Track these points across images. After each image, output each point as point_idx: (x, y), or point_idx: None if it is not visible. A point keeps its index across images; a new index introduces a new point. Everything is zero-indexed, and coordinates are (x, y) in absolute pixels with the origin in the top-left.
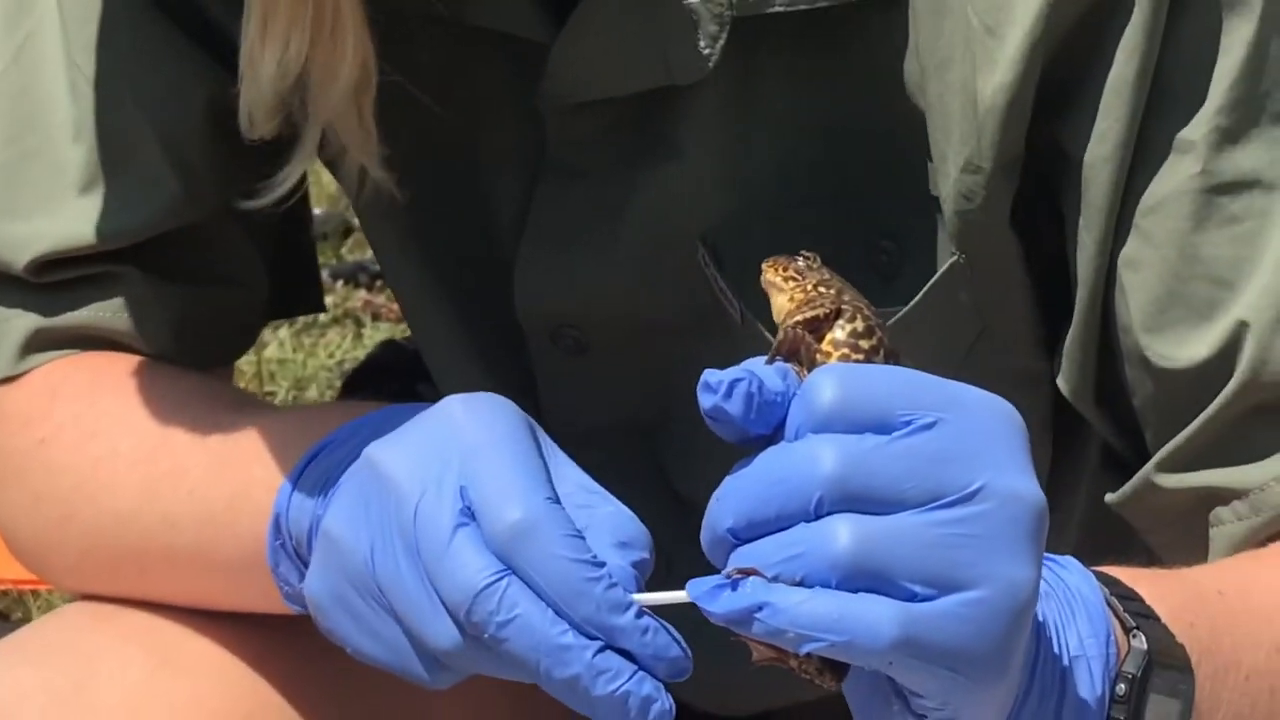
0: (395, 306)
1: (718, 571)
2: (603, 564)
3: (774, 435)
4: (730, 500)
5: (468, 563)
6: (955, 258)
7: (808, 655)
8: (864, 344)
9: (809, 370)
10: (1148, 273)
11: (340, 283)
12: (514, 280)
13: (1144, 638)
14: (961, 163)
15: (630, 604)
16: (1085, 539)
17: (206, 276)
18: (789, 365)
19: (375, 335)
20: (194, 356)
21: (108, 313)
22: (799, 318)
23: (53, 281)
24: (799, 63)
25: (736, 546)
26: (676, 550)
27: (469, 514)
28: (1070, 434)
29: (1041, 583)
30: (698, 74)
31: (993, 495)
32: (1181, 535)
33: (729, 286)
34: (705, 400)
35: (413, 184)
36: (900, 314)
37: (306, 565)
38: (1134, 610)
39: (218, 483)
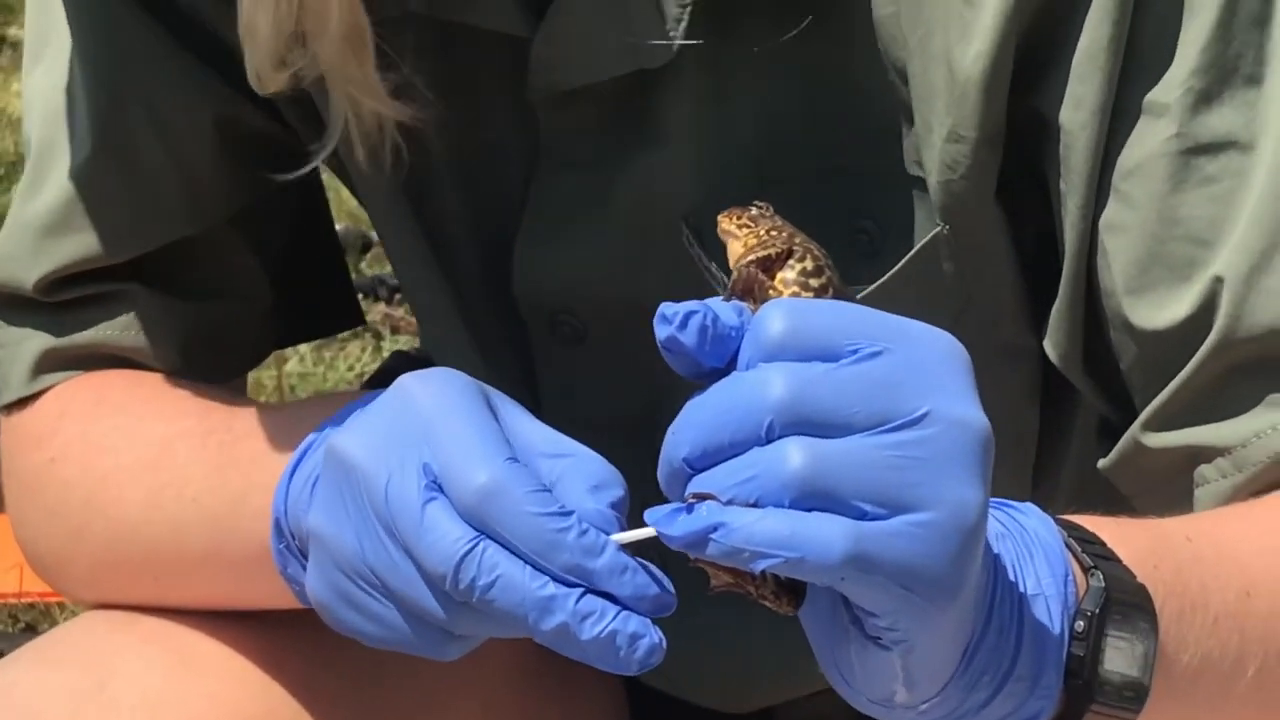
0: (414, 320)
1: None
2: (571, 513)
3: (727, 369)
4: (685, 431)
5: (444, 534)
6: (939, 229)
7: (764, 579)
8: (813, 282)
9: None
10: (1128, 235)
11: (359, 296)
12: (513, 268)
13: (1101, 576)
14: (945, 132)
15: (604, 546)
16: (1075, 511)
17: (212, 291)
18: (744, 304)
19: (395, 348)
20: (202, 370)
21: (115, 331)
22: (751, 257)
23: (62, 301)
24: (776, 42)
25: (693, 476)
26: None
27: (436, 486)
28: (1058, 406)
29: (999, 524)
30: (664, 57)
31: (939, 420)
32: (1171, 498)
33: (714, 265)
34: (660, 331)
35: (421, 177)
36: (883, 281)
37: None
38: (1093, 552)
39: (218, 488)
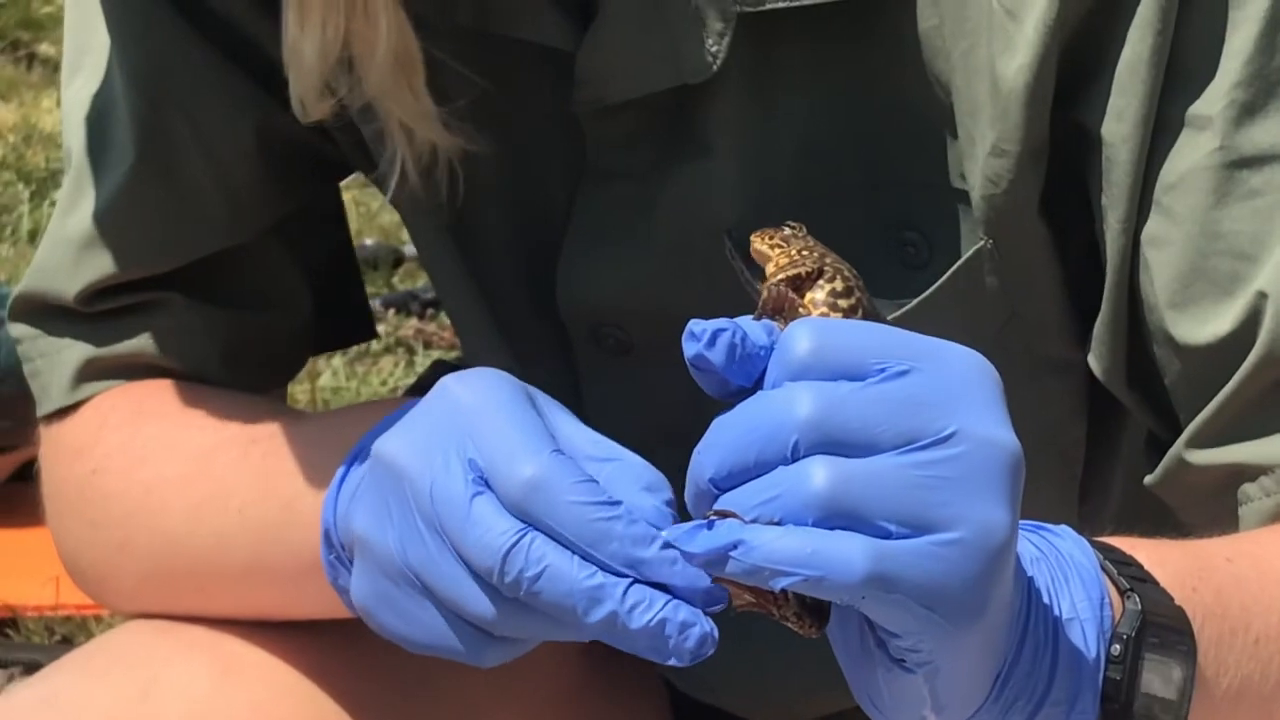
0: (447, 334)
1: None
2: (619, 502)
3: (754, 388)
4: (710, 451)
5: (490, 526)
6: (983, 243)
7: (786, 600)
8: (843, 303)
9: None
10: (1171, 250)
11: (392, 311)
12: (557, 280)
13: (1138, 599)
14: (989, 146)
15: (654, 537)
16: (1120, 529)
17: (251, 300)
18: (774, 323)
19: (427, 363)
20: (241, 380)
21: (155, 340)
22: (782, 276)
23: (102, 311)
24: (820, 56)
25: (719, 497)
26: None
27: (482, 482)
28: (1104, 420)
29: (1033, 548)
30: (705, 72)
31: (967, 439)
32: (1215, 514)
33: (755, 280)
34: (689, 348)
35: (463, 192)
36: (926, 295)
37: None
38: (1129, 574)
39: (264, 499)
